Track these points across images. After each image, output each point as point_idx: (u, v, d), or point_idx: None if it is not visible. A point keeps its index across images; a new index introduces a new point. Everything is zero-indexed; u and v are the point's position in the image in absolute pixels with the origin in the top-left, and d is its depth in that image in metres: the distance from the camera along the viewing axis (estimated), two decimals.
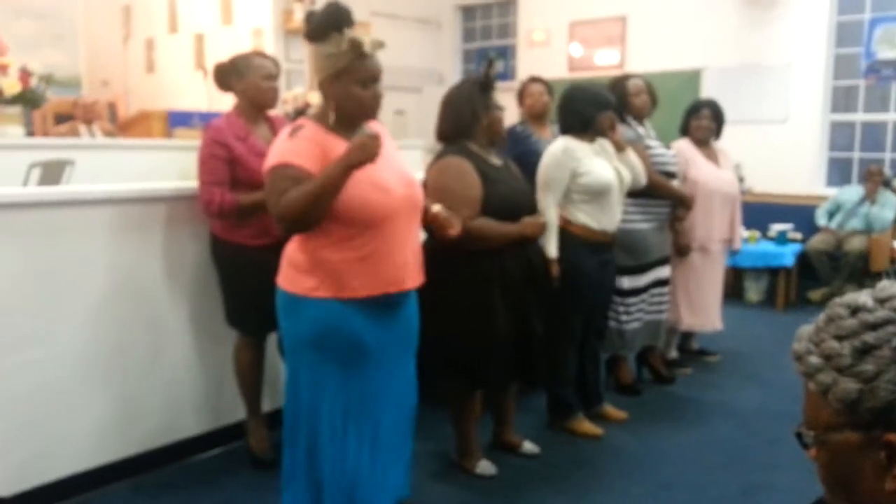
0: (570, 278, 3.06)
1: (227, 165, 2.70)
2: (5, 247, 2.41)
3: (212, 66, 2.88)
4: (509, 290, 2.70)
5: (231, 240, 2.80)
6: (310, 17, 2.09)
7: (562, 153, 3.10)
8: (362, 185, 2.02)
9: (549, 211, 3.02)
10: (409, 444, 2.36)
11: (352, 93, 2.07)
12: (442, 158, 2.70)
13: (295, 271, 2.12)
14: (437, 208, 2.36)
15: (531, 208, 2.85)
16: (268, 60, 2.84)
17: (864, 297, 0.88)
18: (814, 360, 0.88)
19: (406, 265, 2.15)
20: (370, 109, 2.13)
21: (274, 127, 2.87)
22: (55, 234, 2.54)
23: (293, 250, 2.13)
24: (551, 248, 3.00)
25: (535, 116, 3.99)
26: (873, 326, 0.84)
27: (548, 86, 4.05)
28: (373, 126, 2.16)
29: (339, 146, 2.04)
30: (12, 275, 2.44)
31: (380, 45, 2.08)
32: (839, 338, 0.86)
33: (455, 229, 2.35)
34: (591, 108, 3.14)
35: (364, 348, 2.13)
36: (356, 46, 2.03)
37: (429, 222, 2.36)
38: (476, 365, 2.73)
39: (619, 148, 3.24)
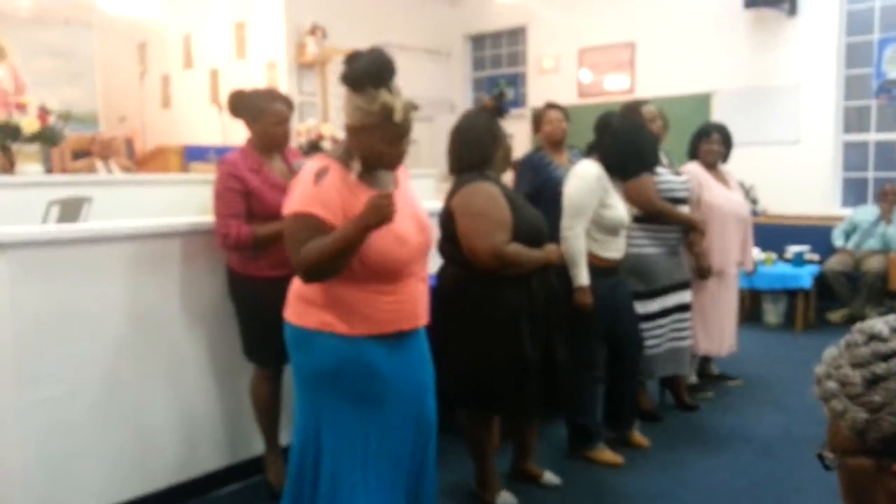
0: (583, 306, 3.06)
1: (243, 198, 2.70)
2: (24, 284, 2.42)
3: (228, 92, 2.88)
4: (535, 317, 2.68)
5: (247, 273, 2.79)
6: (351, 60, 2.06)
7: (596, 181, 3.09)
8: (386, 239, 2.04)
9: (579, 240, 3.02)
10: (432, 475, 2.34)
11: (376, 148, 2.06)
12: (469, 185, 2.65)
13: (306, 305, 2.11)
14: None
15: (548, 234, 2.83)
16: (279, 104, 2.82)
17: (881, 324, 0.90)
18: (831, 385, 0.90)
19: (416, 303, 2.17)
20: (391, 165, 2.14)
21: (287, 159, 2.90)
22: (72, 271, 2.54)
23: (308, 287, 2.10)
24: (582, 276, 3.00)
25: (553, 143, 3.96)
26: (884, 357, 0.86)
27: (564, 111, 4.03)
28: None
29: (360, 191, 2.05)
30: (30, 312, 2.44)
31: (413, 108, 2.05)
32: (854, 365, 0.88)
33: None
34: (634, 167, 3.19)
35: (381, 380, 2.12)
36: (387, 111, 2.01)
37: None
38: (506, 393, 2.69)
39: None
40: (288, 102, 2.87)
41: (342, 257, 1.99)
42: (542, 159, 3.88)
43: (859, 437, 0.86)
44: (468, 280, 2.64)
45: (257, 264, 2.75)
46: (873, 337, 0.89)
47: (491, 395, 2.69)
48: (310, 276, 2.03)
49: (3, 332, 2.41)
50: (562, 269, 3.02)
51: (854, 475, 0.88)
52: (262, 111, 2.77)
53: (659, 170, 3.71)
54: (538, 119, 4.05)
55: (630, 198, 3.42)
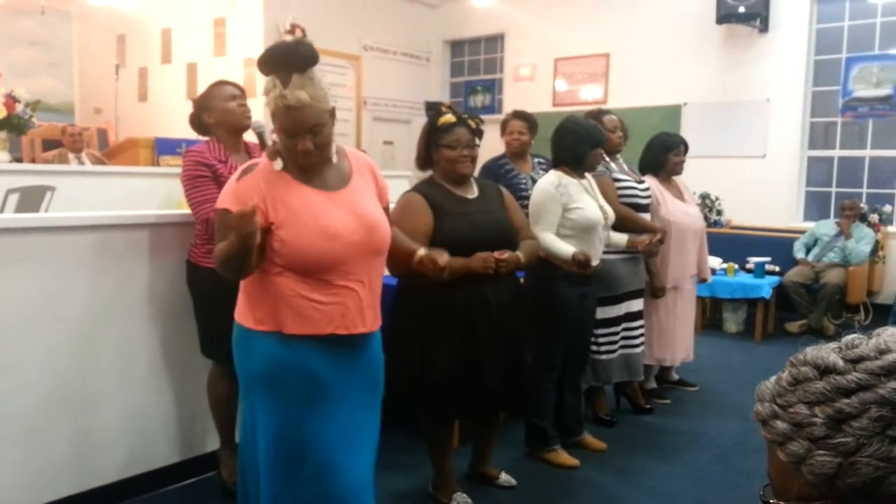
0: (549, 309, 3.12)
1: (215, 183, 2.67)
2: None
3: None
4: (452, 326, 2.64)
5: (205, 265, 2.71)
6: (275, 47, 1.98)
7: (555, 188, 3.15)
8: (310, 233, 1.96)
9: (545, 235, 3.08)
10: (370, 483, 2.19)
11: (281, 139, 1.98)
12: (403, 194, 2.78)
13: (247, 304, 2.06)
14: (420, 252, 2.39)
15: (500, 244, 2.68)
16: (228, 85, 2.88)
17: (832, 355, 0.79)
18: (782, 426, 0.78)
19: (356, 307, 2.04)
20: (297, 160, 2.00)
21: (251, 154, 2.88)
22: (22, 261, 2.49)
23: (247, 282, 2.07)
24: (567, 252, 3.04)
25: (511, 154, 4.01)
26: (846, 392, 0.75)
27: (529, 121, 4.04)
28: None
29: (294, 184, 2.01)
30: None
31: (298, 102, 1.91)
32: (809, 403, 0.77)
33: (442, 259, 2.37)
34: (584, 145, 3.22)
35: (320, 384, 2.02)
36: (272, 97, 1.93)
37: (416, 266, 2.42)
38: (415, 398, 2.68)
39: None
40: (236, 85, 2.91)
41: (236, 263, 1.95)
42: (501, 166, 3.92)
43: (827, 483, 0.75)
44: (400, 287, 2.72)
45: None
46: (828, 370, 0.77)
47: (424, 400, 2.68)
48: (220, 272, 2.03)
49: None
50: (527, 274, 3.08)
51: None
52: (213, 96, 2.84)
53: (619, 176, 3.75)
54: (503, 126, 4.10)
55: None
